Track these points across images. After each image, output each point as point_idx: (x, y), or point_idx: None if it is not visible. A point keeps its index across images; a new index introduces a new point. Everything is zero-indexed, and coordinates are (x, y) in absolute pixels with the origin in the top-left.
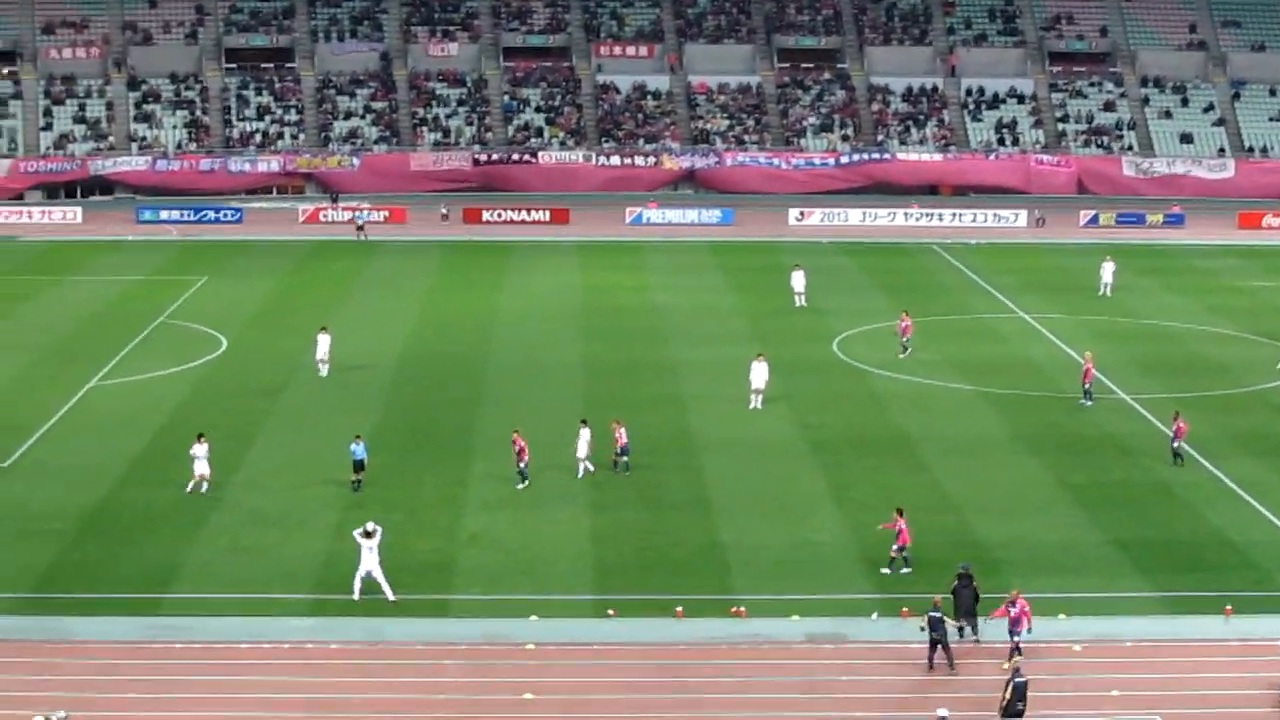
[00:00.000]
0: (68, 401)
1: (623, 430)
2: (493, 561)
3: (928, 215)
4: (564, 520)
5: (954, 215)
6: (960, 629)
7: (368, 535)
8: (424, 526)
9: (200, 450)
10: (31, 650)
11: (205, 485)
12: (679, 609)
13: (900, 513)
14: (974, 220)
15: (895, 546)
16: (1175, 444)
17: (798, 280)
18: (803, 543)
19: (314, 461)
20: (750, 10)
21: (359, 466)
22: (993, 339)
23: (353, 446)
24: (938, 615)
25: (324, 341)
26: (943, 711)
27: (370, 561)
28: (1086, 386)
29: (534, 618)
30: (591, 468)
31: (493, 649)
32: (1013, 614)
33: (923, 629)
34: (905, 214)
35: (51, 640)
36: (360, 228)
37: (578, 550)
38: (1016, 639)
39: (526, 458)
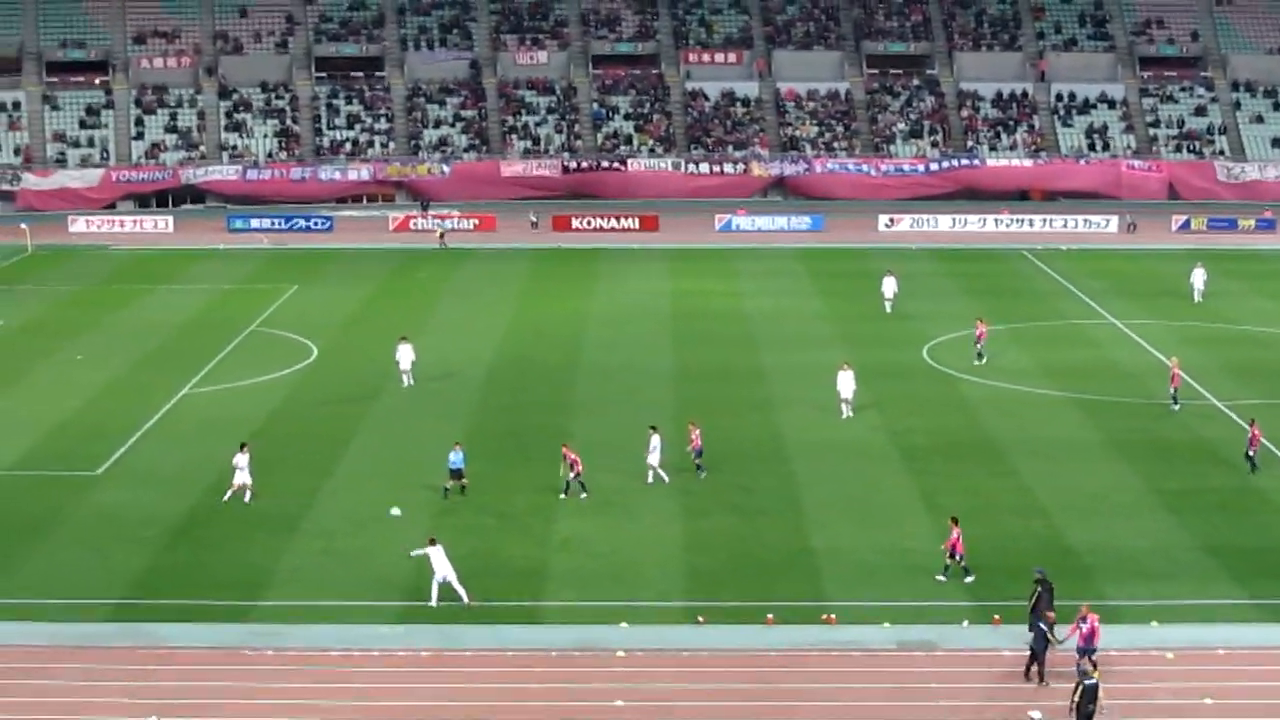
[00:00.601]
0: (160, 409)
1: (698, 432)
2: (584, 567)
3: (1018, 221)
4: (655, 526)
5: (1044, 221)
6: (1049, 633)
7: (433, 543)
8: (516, 532)
9: (242, 460)
10: (124, 656)
11: (248, 494)
12: (770, 616)
13: (955, 521)
14: (1065, 226)
15: (955, 556)
16: (1251, 451)
17: (889, 286)
18: (894, 549)
19: (406, 468)
20: (839, 16)
21: (457, 474)
22: (1083, 344)
23: (451, 454)
24: (1043, 627)
25: (405, 351)
26: (1035, 714)
27: (444, 568)
28: (1173, 392)
29: (624, 624)
30: (665, 476)
31: (583, 656)
32: (1083, 630)
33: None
34: (995, 219)
35: (144, 646)
36: (441, 236)
37: (669, 556)
38: (1089, 655)
39: (580, 468)
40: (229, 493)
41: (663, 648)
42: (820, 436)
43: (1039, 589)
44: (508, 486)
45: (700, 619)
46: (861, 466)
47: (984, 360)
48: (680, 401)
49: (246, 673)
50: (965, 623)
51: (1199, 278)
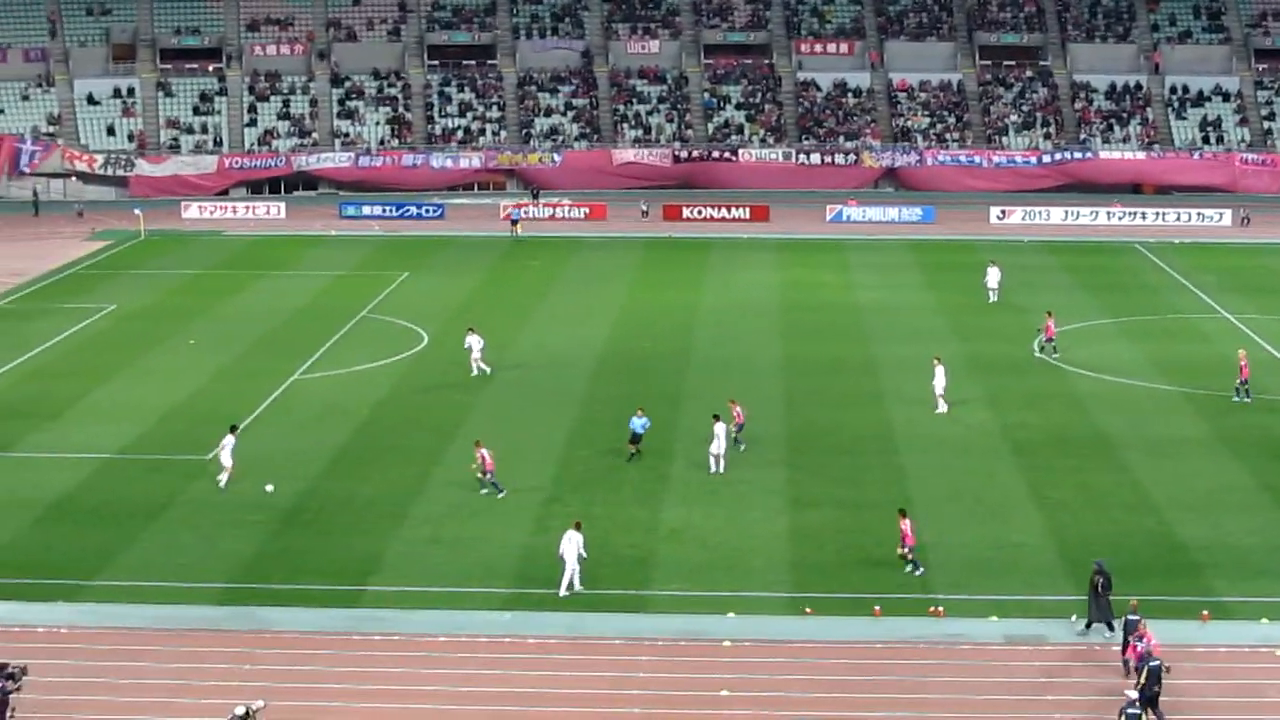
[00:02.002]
0: (271, 395)
1: (739, 409)
2: (692, 557)
3: (1130, 214)
4: (763, 517)
5: (1157, 214)
6: (1088, 624)
7: (578, 528)
8: (624, 522)
9: (228, 443)
10: (232, 640)
11: (225, 479)
12: (877, 608)
13: (903, 514)
14: (1177, 219)
15: (904, 548)
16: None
17: (992, 276)
18: (1003, 543)
19: (515, 455)
20: (952, 7)
21: (636, 439)
22: (1196, 339)
23: (634, 420)
24: (1135, 618)
25: (475, 341)
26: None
27: (572, 554)
28: (1239, 384)
29: (731, 614)
30: (724, 466)
31: (689, 645)
32: (1139, 649)
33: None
34: (1108, 213)
35: (252, 630)
36: (515, 223)
37: (776, 547)
38: (1148, 668)
39: (491, 468)
40: (223, 477)
41: (769, 638)
42: (929, 429)
43: (1099, 579)
44: (616, 476)
45: (808, 610)
46: (971, 460)
47: (1057, 355)
48: (789, 393)
49: (353, 658)
50: (1074, 617)
51: None
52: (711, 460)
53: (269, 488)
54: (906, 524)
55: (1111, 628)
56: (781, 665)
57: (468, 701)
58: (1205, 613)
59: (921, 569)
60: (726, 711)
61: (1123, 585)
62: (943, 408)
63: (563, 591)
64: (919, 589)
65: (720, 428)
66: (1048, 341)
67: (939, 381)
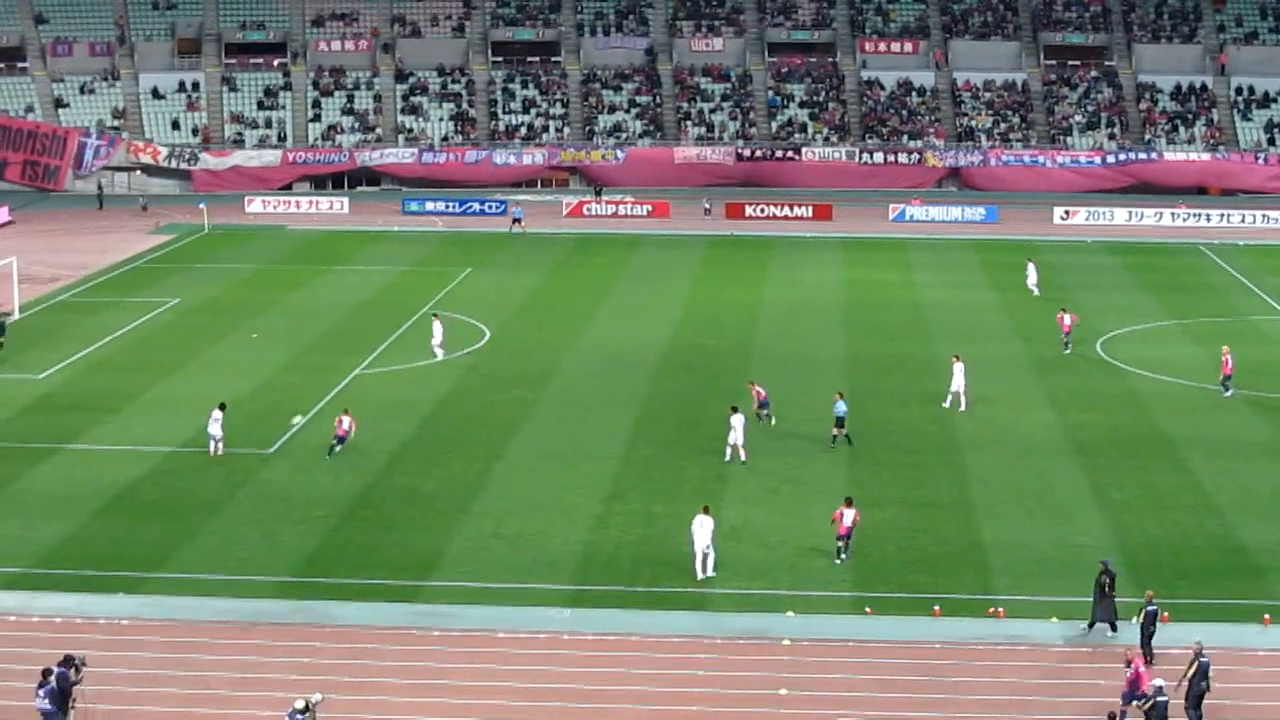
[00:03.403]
0: (333, 389)
1: (759, 388)
2: (752, 555)
3: (1195, 215)
4: (824, 516)
5: (1222, 216)
6: (1092, 625)
7: (706, 511)
8: (685, 519)
9: (218, 415)
10: (293, 634)
11: (219, 448)
12: (937, 608)
13: (849, 502)
14: (1242, 221)
15: (844, 537)
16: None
17: (1031, 274)
18: (1064, 544)
19: (577, 452)
20: (1017, 6)
21: (840, 422)
22: (1260, 341)
23: (836, 404)
24: (1154, 609)
25: (438, 329)
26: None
27: (704, 538)
28: (1223, 378)
29: (790, 613)
30: (744, 455)
31: (749, 644)
32: (1128, 675)
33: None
34: (1172, 214)
35: (313, 624)
36: (517, 220)
37: (834, 546)
38: (1136, 704)
39: (342, 434)
40: (215, 445)
41: (829, 637)
42: (992, 429)
43: (1105, 579)
44: (678, 474)
45: (868, 609)
46: (1033, 460)
47: (1069, 350)
48: (851, 391)
49: (414, 652)
50: (1135, 619)
51: None
52: (728, 450)
53: (296, 419)
54: (851, 512)
55: (1114, 628)
56: (841, 665)
57: (527, 698)
58: (1267, 616)
59: (844, 559)
60: (785, 710)
61: (1185, 587)
62: (963, 405)
63: (700, 575)
64: (979, 589)
65: (737, 419)
66: (1065, 335)
67: (958, 380)
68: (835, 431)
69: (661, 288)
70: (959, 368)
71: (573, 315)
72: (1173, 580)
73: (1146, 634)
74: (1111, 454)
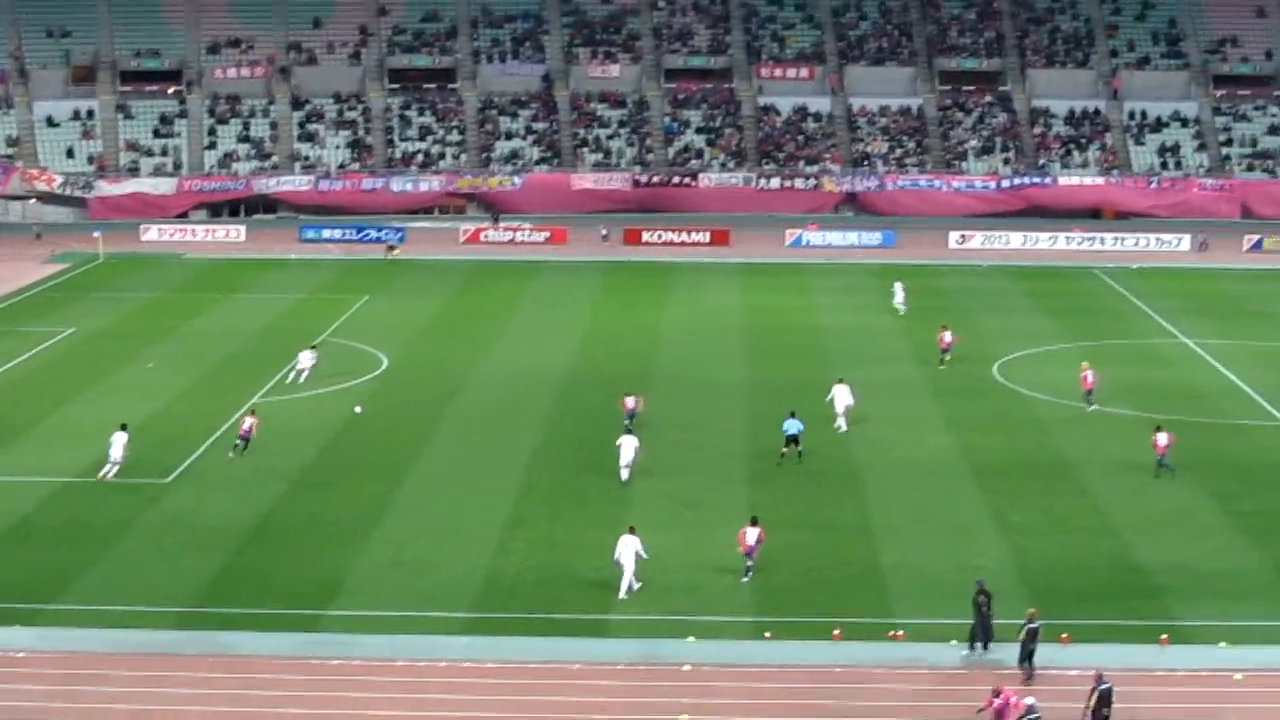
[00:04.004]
0: (231, 417)
1: (630, 400)
2: (653, 580)
3: (1089, 239)
4: (726, 541)
5: (1116, 239)
6: (973, 646)
7: (632, 531)
8: (586, 545)
9: (120, 438)
10: (192, 664)
11: (114, 471)
12: (837, 631)
13: (754, 521)
14: (1136, 244)
15: (749, 555)
16: (1159, 458)
17: (898, 292)
18: (964, 566)
19: (478, 477)
20: (912, 33)
21: (792, 440)
22: (1155, 363)
23: (787, 422)
24: (1035, 627)
25: (308, 358)
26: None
27: (629, 557)
28: (1086, 393)
29: (691, 638)
30: (625, 475)
31: (650, 669)
32: (995, 704)
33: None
34: (1066, 237)
35: (212, 654)
36: (391, 248)
37: (738, 570)
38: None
39: (245, 432)
40: (107, 469)
41: (729, 662)
42: (892, 452)
43: (981, 598)
44: (579, 499)
45: (768, 634)
46: (932, 483)
47: (944, 367)
48: (751, 415)
49: (313, 682)
50: (1018, 637)
51: None
52: (621, 471)
53: (358, 409)
54: (755, 531)
55: (987, 646)
56: (741, 689)
57: None
58: (1164, 636)
59: (746, 578)
60: None
61: (1083, 609)
62: (843, 426)
63: (622, 594)
64: (879, 613)
65: (630, 440)
66: (944, 351)
67: (843, 400)
68: (785, 449)
69: (561, 313)
70: (842, 389)
71: (472, 341)
72: (1071, 601)
73: (1027, 651)
74: (1010, 476)
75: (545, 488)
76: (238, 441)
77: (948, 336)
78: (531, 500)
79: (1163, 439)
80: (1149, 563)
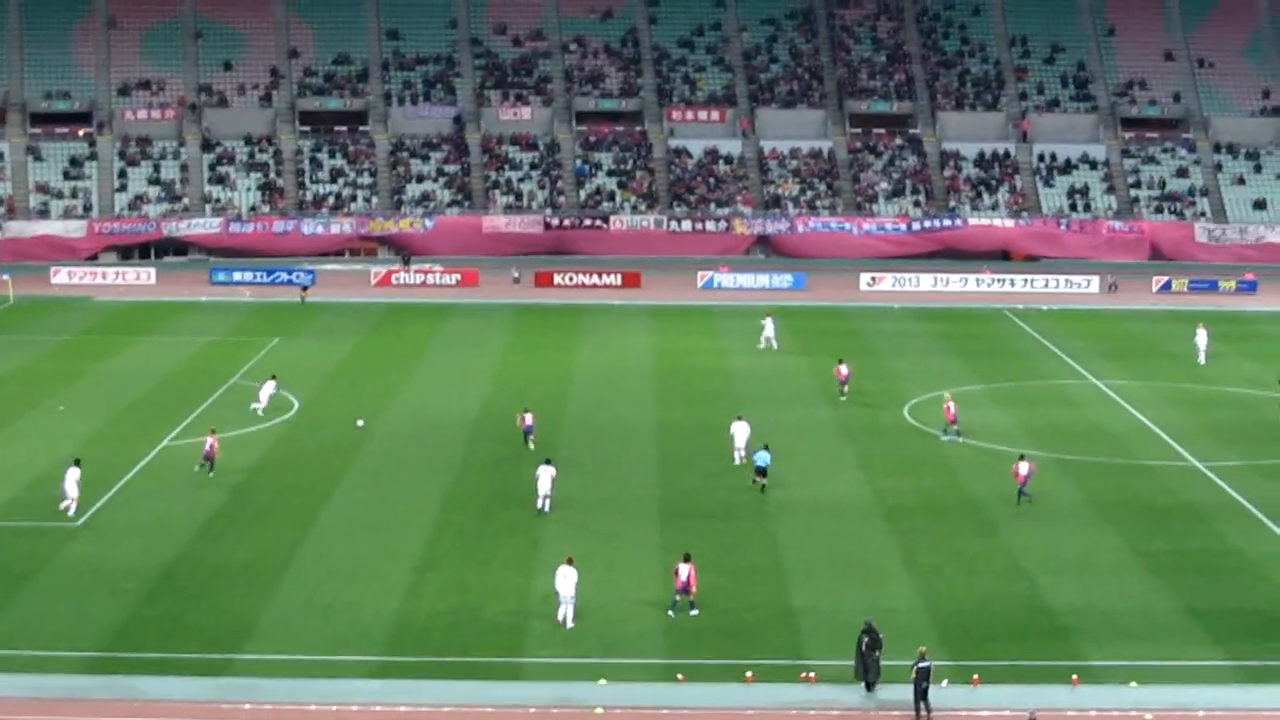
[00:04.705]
0: (141, 461)
1: (529, 416)
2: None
3: (999, 280)
4: (636, 584)
5: (1026, 281)
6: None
7: (569, 563)
8: (498, 588)
9: (73, 474)
10: (102, 709)
11: (73, 507)
12: (749, 674)
13: (687, 558)
14: (1046, 285)
15: (686, 591)
16: (1020, 487)
17: (769, 327)
18: (875, 609)
19: (390, 520)
20: (823, 75)
21: (762, 472)
22: (1064, 404)
23: (759, 454)
24: (926, 665)
25: (267, 391)
26: None
27: (567, 588)
28: (949, 424)
29: (603, 681)
30: (547, 505)
31: (562, 712)
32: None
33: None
34: (977, 279)
35: (122, 699)
36: (305, 288)
37: (650, 613)
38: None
39: (209, 454)
40: (67, 504)
41: (642, 705)
42: (803, 495)
43: (864, 638)
44: (490, 541)
45: (680, 676)
46: (843, 525)
47: (845, 399)
48: (663, 458)
49: None
50: (945, 682)
51: (1202, 339)
52: (539, 500)
53: (360, 423)
54: (688, 567)
55: (870, 687)
56: None
57: None
58: (1075, 677)
59: (672, 614)
60: None
61: (994, 650)
62: (740, 460)
63: (569, 624)
64: (791, 655)
65: (550, 469)
66: (842, 383)
67: (741, 436)
68: (756, 479)
69: (472, 356)
70: (741, 426)
71: (383, 384)
72: (983, 643)
73: (919, 689)
74: (921, 518)
75: (455, 530)
76: (204, 463)
77: (844, 369)
78: (442, 543)
79: (1024, 468)
80: (1059, 603)
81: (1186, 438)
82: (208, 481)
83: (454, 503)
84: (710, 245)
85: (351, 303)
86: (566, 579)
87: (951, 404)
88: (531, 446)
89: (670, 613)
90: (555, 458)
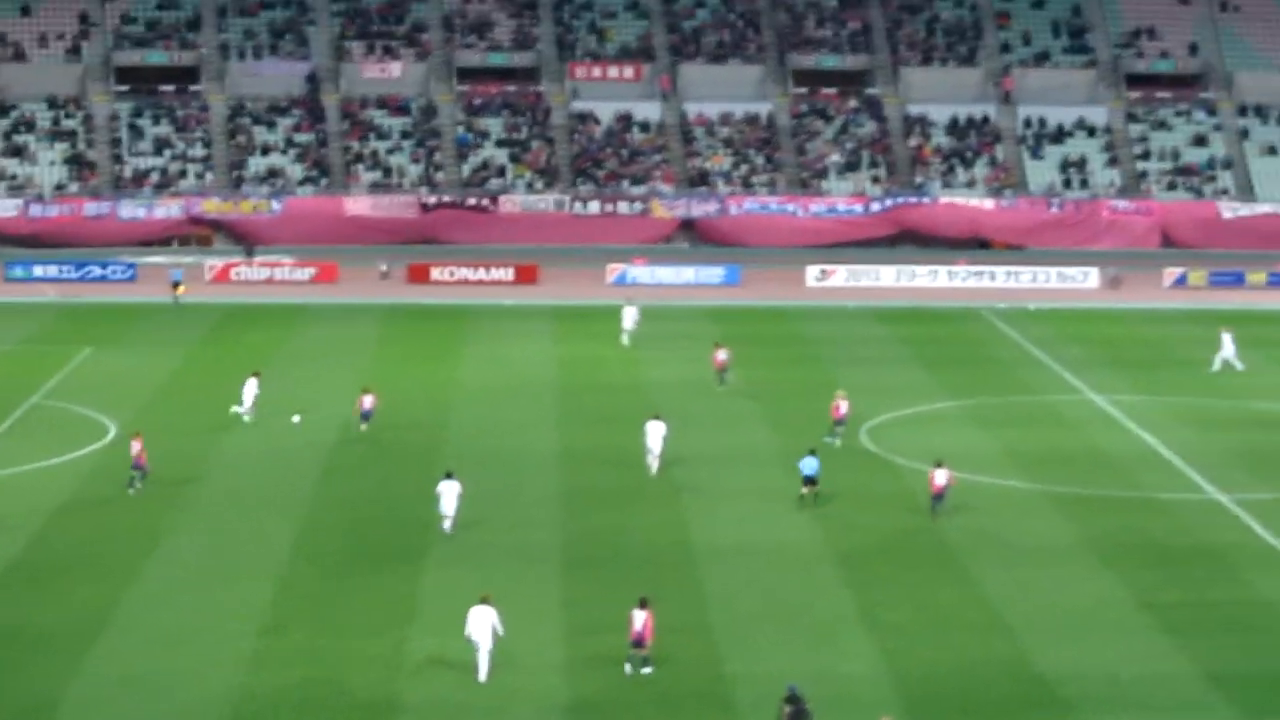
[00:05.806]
0: None
1: (368, 399)
2: (446, 698)
3: (977, 274)
4: (534, 648)
5: (1009, 274)
6: None
7: (485, 602)
8: (360, 655)
9: None
10: None
11: None
12: None
13: (644, 604)
14: (1034, 280)
15: (640, 645)
16: (934, 497)
17: (628, 317)
18: (827, 675)
19: (227, 573)
20: (760, 24)
21: (810, 480)
22: (1057, 425)
23: (805, 460)
24: None
25: (251, 386)
26: None
27: (483, 634)
28: (835, 425)
29: None
30: (449, 527)
31: None
32: None
33: None
34: (949, 272)
35: None
36: (176, 285)
37: (550, 683)
38: None
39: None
40: None
41: None
42: (738, 536)
43: (786, 708)
44: (349, 598)
45: None
46: (787, 573)
47: (724, 386)
48: (567, 492)
49: None
50: None
51: (1228, 346)
52: (444, 520)
53: (296, 419)
54: (644, 615)
55: None
56: None
57: None
58: None
59: (630, 670)
60: None
61: None
62: (654, 467)
63: (482, 676)
64: None
65: (452, 485)
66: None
67: (655, 439)
68: (804, 490)
69: (331, 369)
70: (655, 426)
71: (221, 405)
72: (958, 716)
73: None
74: (881, 564)
75: (307, 587)
76: (134, 475)
77: (722, 355)
78: (291, 601)
79: (940, 477)
80: (1052, 669)
81: (1206, 465)
82: (3, 527)
83: (306, 551)
84: (622, 232)
85: (181, 304)
86: (482, 621)
87: (843, 402)
88: (364, 428)
89: (627, 667)
90: (432, 493)
